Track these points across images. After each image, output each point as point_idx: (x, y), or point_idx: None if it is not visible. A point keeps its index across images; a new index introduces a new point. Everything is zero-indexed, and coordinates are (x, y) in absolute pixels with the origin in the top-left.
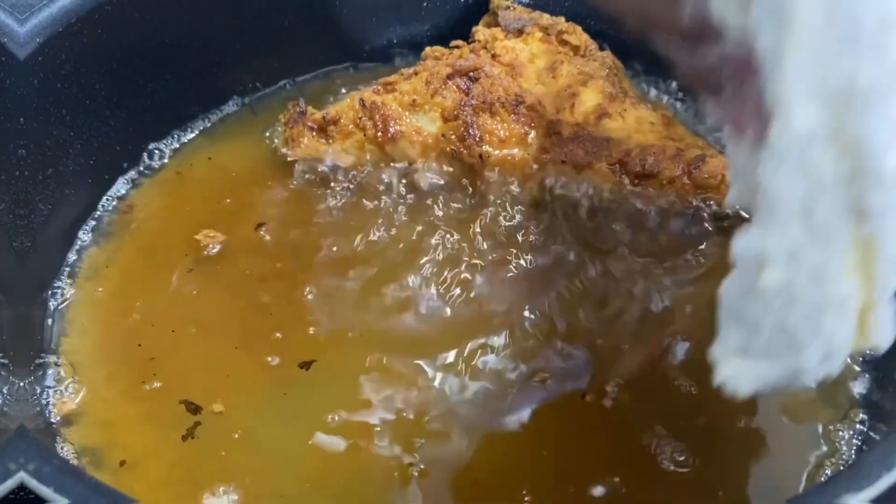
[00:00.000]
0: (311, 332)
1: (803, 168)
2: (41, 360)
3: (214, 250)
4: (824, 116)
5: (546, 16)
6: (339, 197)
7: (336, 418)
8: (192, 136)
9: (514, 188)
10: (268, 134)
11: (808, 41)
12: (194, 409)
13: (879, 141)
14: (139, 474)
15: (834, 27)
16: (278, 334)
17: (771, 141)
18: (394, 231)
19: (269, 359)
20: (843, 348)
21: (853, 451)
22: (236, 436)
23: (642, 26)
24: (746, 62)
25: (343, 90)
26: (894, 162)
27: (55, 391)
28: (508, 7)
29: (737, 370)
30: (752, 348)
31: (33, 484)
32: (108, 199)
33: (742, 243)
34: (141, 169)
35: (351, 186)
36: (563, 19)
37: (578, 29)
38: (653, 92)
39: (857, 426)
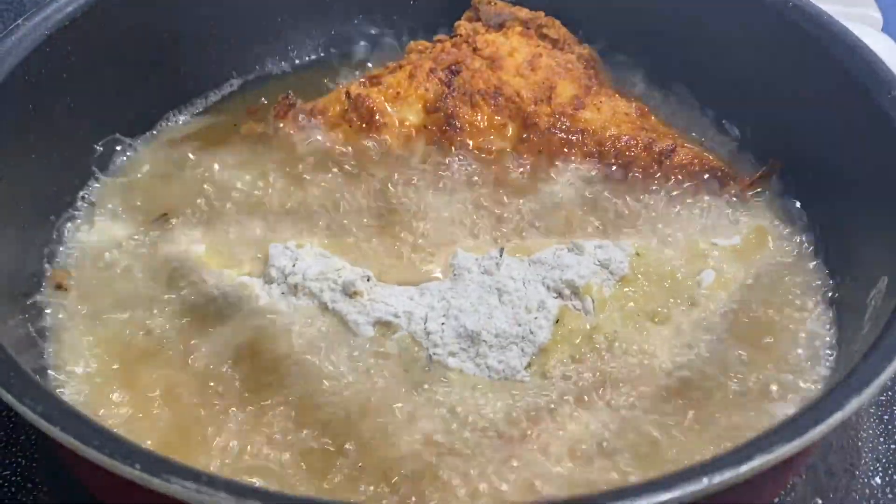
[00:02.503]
0: None
1: None
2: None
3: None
4: None
5: (525, 10)
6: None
7: None
8: (189, 115)
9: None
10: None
11: None
12: None
13: None
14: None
15: None
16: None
17: None
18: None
19: None
20: None
21: None
22: None
23: None
24: None
25: (326, 80)
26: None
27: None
28: (489, 2)
29: None
30: None
31: (42, 424)
32: (109, 175)
33: None
34: (141, 146)
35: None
36: (542, 14)
37: (557, 23)
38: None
39: None
